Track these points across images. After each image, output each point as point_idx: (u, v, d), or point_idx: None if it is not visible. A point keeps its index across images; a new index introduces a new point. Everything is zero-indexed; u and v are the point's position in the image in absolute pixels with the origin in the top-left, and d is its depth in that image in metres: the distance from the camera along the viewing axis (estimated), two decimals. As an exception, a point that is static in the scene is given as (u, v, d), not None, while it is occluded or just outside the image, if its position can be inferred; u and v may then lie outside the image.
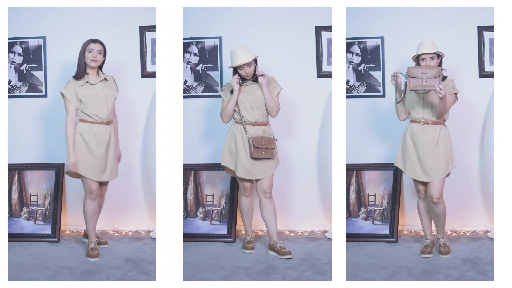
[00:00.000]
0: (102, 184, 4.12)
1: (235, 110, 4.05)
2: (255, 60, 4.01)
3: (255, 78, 4.02)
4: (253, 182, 4.15)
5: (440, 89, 3.69)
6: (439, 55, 3.88)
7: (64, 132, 4.51)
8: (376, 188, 4.58)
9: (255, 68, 4.02)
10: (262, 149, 3.98)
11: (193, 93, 4.70)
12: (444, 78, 3.93)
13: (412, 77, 3.72)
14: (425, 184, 4.00)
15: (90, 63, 3.94)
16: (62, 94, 3.97)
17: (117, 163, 4.16)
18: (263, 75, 3.95)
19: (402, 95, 3.95)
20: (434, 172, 3.91)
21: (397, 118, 4.32)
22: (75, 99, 3.95)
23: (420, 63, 3.87)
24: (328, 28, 4.48)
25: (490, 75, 4.44)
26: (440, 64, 3.90)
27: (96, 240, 4.12)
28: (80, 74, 3.96)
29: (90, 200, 4.02)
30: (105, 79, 4.04)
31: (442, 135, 3.91)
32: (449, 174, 4.00)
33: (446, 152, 3.93)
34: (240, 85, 4.02)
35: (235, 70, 4.01)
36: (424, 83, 3.71)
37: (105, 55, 4.00)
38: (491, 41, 4.44)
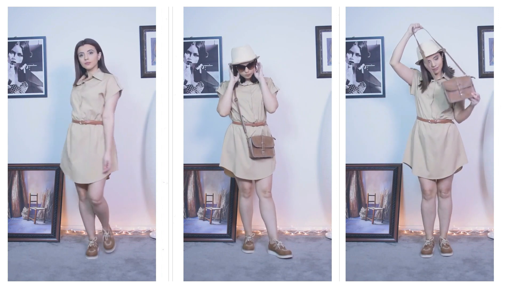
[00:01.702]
0: (87, 188, 3.95)
1: (234, 110, 4.05)
2: (255, 61, 4.00)
3: (254, 79, 4.03)
4: (252, 183, 4.15)
5: (476, 96, 3.77)
6: (441, 52, 3.89)
7: (64, 132, 4.51)
8: (376, 188, 4.58)
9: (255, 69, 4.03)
10: (262, 149, 3.98)
11: (193, 93, 4.70)
12: (452, 72, 3.93)
13: (450, 91, 3.76)
14: (432, 183, 4.00)
15: (85, 66, 3.93)
16: None
17: (102, 167, 3.89)
18: (258, 71, 3.98)
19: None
20: (444, 170, 3.93)
21: (395, 118, 4.32)
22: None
23: (427, 66, 3.88)
24: (328, 28, 4.48)
25: (490, 75, 4.44)
26: (444, 59, 3.92)
27: (95, 239, 4.13)
28: (76, 80, 3.97)
29: (80, 201, 4.09)
30: (93, 77, 3.92)
31: (450, 132, 3.92)
32: (460, 168, 4.01)
33: (456, 148, 3.94)
34: (236, 85, 4.02)
35: (235, 69, 4.01)
36: (461, 95, 3.77)
37: (99, 51, 3.95)
38: (491, 41, 4.44)
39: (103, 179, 3.94)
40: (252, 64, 3.97)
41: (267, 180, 4.07)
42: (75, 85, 3.96)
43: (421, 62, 3.93)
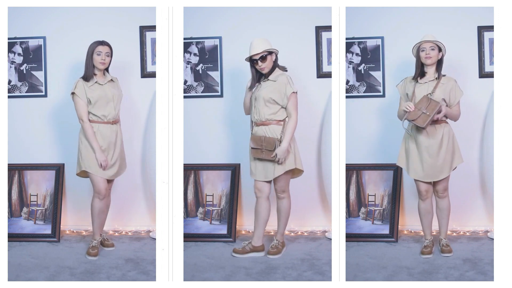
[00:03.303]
0: (108, 182, 4.12)
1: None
2: (271, 54, 3.91)
3: (269, 74, 3.95)
4: (269, 182, 4.03)
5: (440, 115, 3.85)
6: (440, 48, 3.88)
7: (64, 133, 4.51)
8: (376, 188, 4.58)
9: (274, 63, 3.95)
10: (262, 150, 3.92)
11: (193, 93, 4.70)
12: (443, 75, 3.93)
13: (414, 120, 3.83)
14: (427, 184, 4.00)
15: (98, 66, 3.96)
16: (74, 94, 3.94)
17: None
18: (278, 160, 3.89)
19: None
20: (441, 172, 3.92)
21: (396, 118, 4.32)
22: (86, 98, 3.96)
23: (420, 54, 3.88)
24: (328, 28, 4.48)
25: (490, 75, 4.44)
26: (441, 59, 3.91)
27: (99, 239, 4.13)
28: (89, 76, 3.97)
29: (98, 200, 4.05)
30: (111, 80, 4.07)
31: (445, 134, 3.92)
32: (455, 168, 4.01)
33: (451, 149, 3.93)
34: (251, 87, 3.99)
35: (252, 63, 3.95)
36: (428, 113, 3.80)
37: (111, 56, 4.03)
38: (491, 41, 4.44)
39: None
40: (265, 57, 3.89)
41: (277, 180, 3.99)
42: (96, 83, 3.96)
43: (417, 53, 3.91)
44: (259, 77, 3.99)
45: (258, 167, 3.98)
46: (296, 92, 3.93)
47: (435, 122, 3.89)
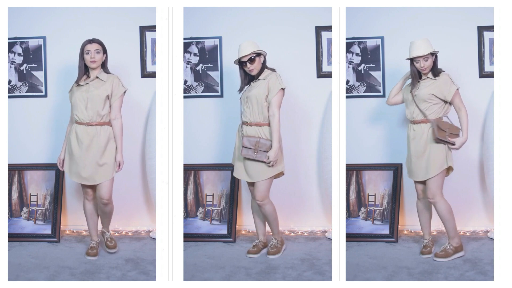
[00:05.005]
0: (96, 188, 3.98)
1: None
2: (259, 55, 3.90)
3: (262, 77, 3.93)
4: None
5: (454, 145, 3.88)
6: (432, 54, 3.87)
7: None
8: (376, 188, 4.58)
9: (263, 65, 3.95)
10: (255, 150, 3.87)
11: (193, 93, 4.70)
12: (438, 73, 3.90)
13: (440, 129, 3.83)
14: (422, 184, 4.00)
15: (90, 65, 3.91)
16: None
17: (113, 167, 3.97)
18: (270, 162, 3.87)
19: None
20: (426, 172, 3.88)
21: (395, 118, 4.33)
22: (71, 100, 3.98)
23: (415, 65, 3.87)
24: (328, 28, 4.48)
25: (490, 75, 4.44)
26: (435, 61, 3.89)
27: (98, 240, 4.13)
28: (79, 77, 3.94)
29: (87, 201, 4.07)
30: (97, 78, 3.92)
31: (431, 134, 3.88)
32: (452, 171, 3.97)
33: (439, 150, 3.87)
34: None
35: (241, 65, 3.95)
36: (447, 136, 3.85)
37: (105, 52, 3.95)
38: (491, 41, 4.44)
39: (112, 179, 3.97)
40: (254, 59, 3.88)
41: (259, 186, 3.92)
42: (78, 84, 3.94)
43: (411, 59, 3.91)
44: (248, 79, 3.99)
45: (255, 168, 3.91)
46: (284, 89, 3.91)
47: (422, 121, 3.89)
